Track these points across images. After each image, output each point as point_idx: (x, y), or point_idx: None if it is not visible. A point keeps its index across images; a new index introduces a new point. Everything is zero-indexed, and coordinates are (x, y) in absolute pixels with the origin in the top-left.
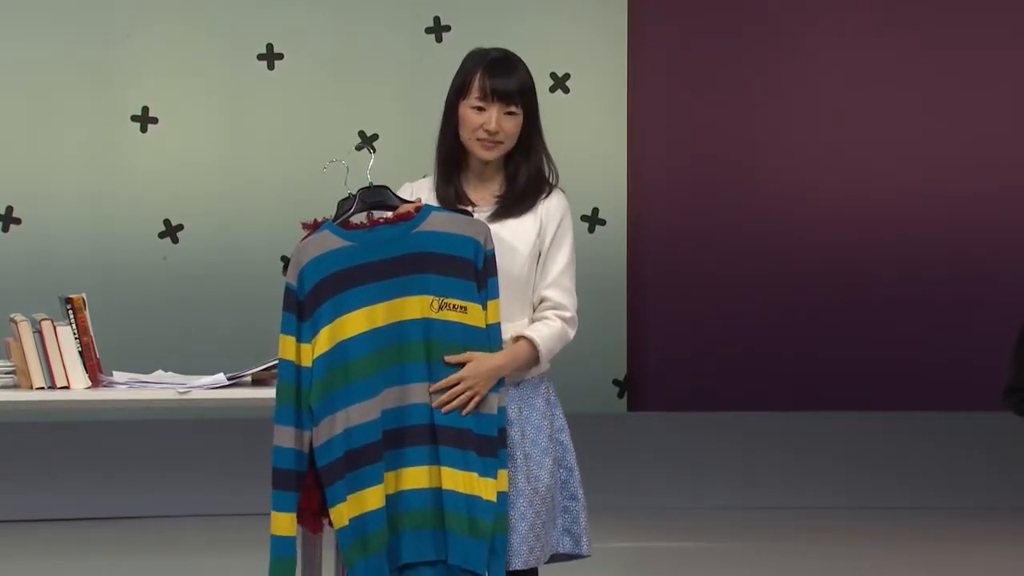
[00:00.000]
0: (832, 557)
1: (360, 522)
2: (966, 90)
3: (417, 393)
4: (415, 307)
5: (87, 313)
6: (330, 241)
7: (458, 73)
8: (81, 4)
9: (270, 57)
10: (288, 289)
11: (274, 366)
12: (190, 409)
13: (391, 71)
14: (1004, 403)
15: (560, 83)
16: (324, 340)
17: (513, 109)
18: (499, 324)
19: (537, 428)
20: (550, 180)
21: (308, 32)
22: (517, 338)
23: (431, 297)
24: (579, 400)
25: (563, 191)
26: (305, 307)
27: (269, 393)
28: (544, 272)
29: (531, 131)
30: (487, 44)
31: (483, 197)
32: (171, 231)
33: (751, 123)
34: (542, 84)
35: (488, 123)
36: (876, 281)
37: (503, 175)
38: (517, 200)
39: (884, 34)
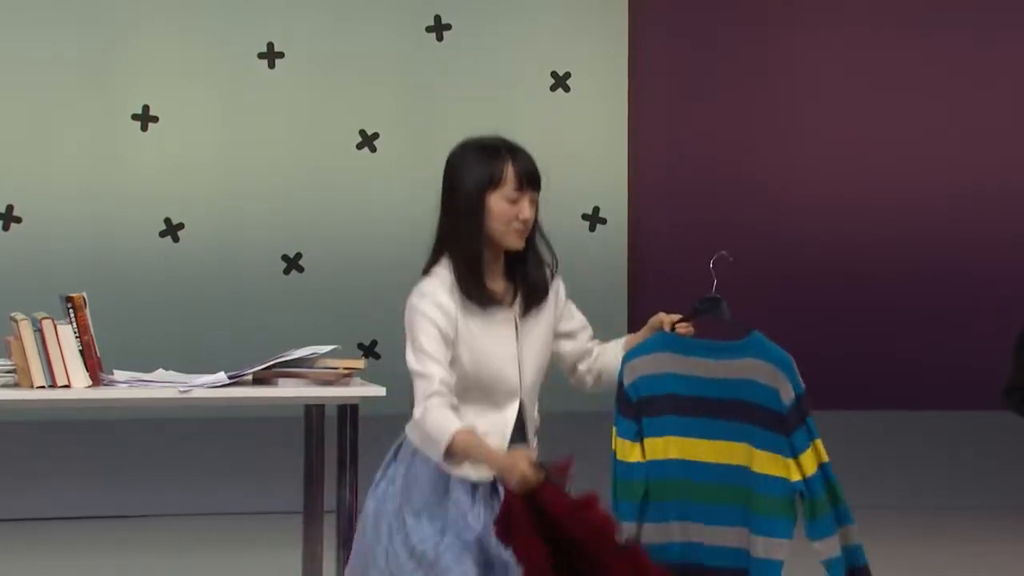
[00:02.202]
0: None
1: None
2: (966, 89)
3: (731, 537)
4: (731, 453)
5: (88, 312)
6: (658, 362)
7: (475, 167)
8: (81, 3)
9: (271, 56)
10: (625, 395)
11: (273, 365)
12: (191, 408)
13: (391, 70)
14: (1005, 402)
15: (561, 82)
16: (655, 449)
17: (536, 196)
18: (817, 474)
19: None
20: (549, 262)
21: (308, 31)
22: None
23: (751, 447)
24: (578, 399)
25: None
26: (639, 410)
27: (269, 392)
28: (574, 327)
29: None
30: (488, 43)
31: (499, 289)
32: (172, 230)
33: (751, 122)
34: (543, 83)
35: (523, 212)
36: (877, 281)
37: (503, 264)
38: (538, 290)
39: (883, 33)
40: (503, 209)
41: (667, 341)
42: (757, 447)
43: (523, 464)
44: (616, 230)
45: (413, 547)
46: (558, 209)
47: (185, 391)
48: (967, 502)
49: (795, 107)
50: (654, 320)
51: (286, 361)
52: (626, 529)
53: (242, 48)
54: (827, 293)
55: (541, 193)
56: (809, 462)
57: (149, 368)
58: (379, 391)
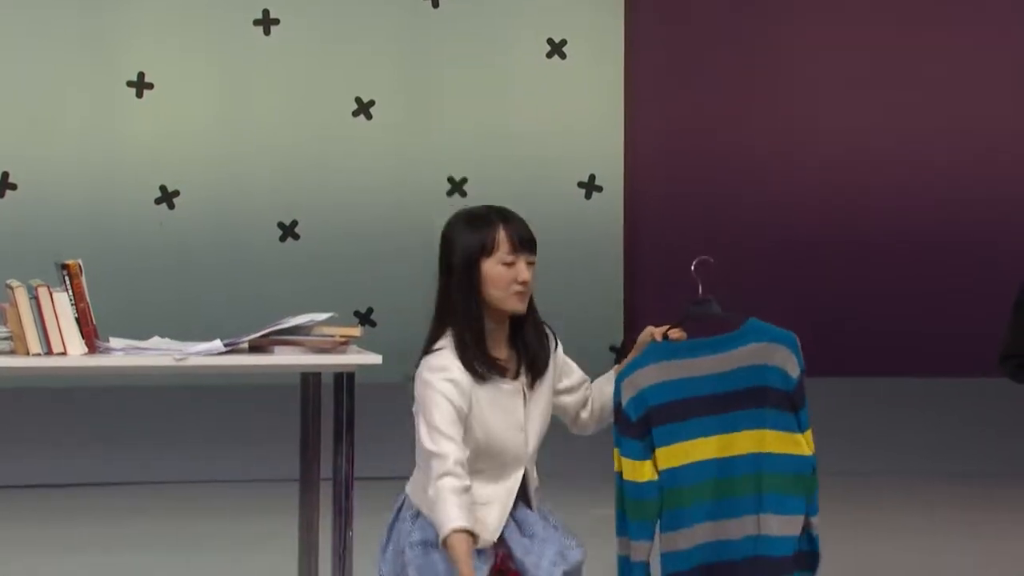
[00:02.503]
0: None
1: None
2: (955, 63)
3: (743, 527)
4: (748, 442)
5: (83, 279)
6: (665, 370)
7: (468, 236)
8: None
9: (266, 23)
10: (624, 414)
11: (269, 333)
12: (187, 375)
13: (387, 37)
14: (1000, 369)
15: (557, 49)
16: (674, 456)
17: (533, 259)
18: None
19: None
20: (545, 330)
21: None
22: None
23: (765, 431)
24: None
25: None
26: (646, 423)
27: (266, 360)
28: (573, 382)
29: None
30: (484, 11)
31: (504, 358)
32: (167, 197)
33: (749, 91)
34: (539, 50)
35: (520, 273)
36: (872, 248)
37: (506, 331)
38: (540, 357)
39: (879, 8)
40: (499, 274)
41: (665, 350)
42: (771, 428)
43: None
44: (612, 197)
45: None
46: (554, 177)
47: (181, 359)
48: (961, 467)
49: (794, 76)
50: (644, 335)
51: (282, 329)
52: (637, 548)
53: (237, 15)
54: (823, 260)
55: (537, 161)
56: (811, 439)
57: (145, 335)
58: (375, 359)
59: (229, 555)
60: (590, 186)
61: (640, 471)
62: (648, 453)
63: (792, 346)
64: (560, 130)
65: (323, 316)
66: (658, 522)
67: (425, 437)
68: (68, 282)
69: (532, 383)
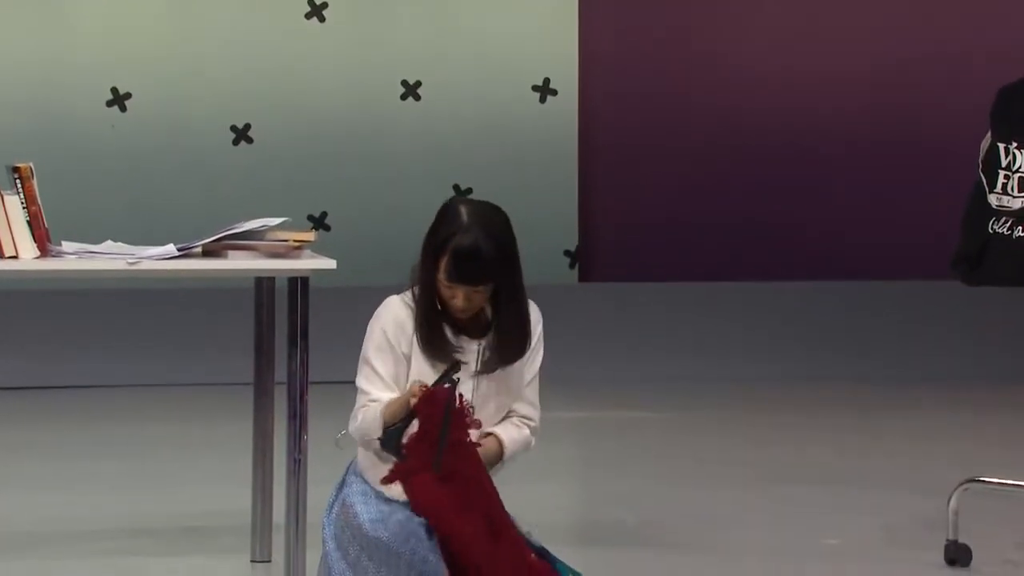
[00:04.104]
0: (779, 426)
1: None
2: None
3: None
4: None
5: (35, 182)
6: None
7: (436, 230)
8: None
9: None
10: None
11: (223, 237)
12: (140, 280)
13: None
14: (952, 272)
15: None
16: None
17: (480, 289)
18: None
19: None
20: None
21: None
22: (487, 435)
23: None
24: (530, 271)
25: (537, 308)
26: None
27: (219, 264)
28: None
29: (512, 283)
30: None
31: (465, 334)
32: (119, 99)
33: None
34: None
35: (459, 301)
36: (826, 149)
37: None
38: (502, 357)
39: None
40: (440, 287)
41: None
42: None
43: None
44: (567, 101)
45: (367, 542)
46: (509, 81)
47: (134, 263)
48: (918, 371)
49: None
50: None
51: (236, 233)
52: None
53: None
54: (777, 162)
55: (492, 65)
56: None
57: (98, 239)
58: (330, 264)
59: (183, 459)
60: (544, 89)
61: None
62: None
63: None
64: (514, 34)
65: (277, 220)
66: None
67: (360, 372)
68: (19, 185)
69: (482, 372)
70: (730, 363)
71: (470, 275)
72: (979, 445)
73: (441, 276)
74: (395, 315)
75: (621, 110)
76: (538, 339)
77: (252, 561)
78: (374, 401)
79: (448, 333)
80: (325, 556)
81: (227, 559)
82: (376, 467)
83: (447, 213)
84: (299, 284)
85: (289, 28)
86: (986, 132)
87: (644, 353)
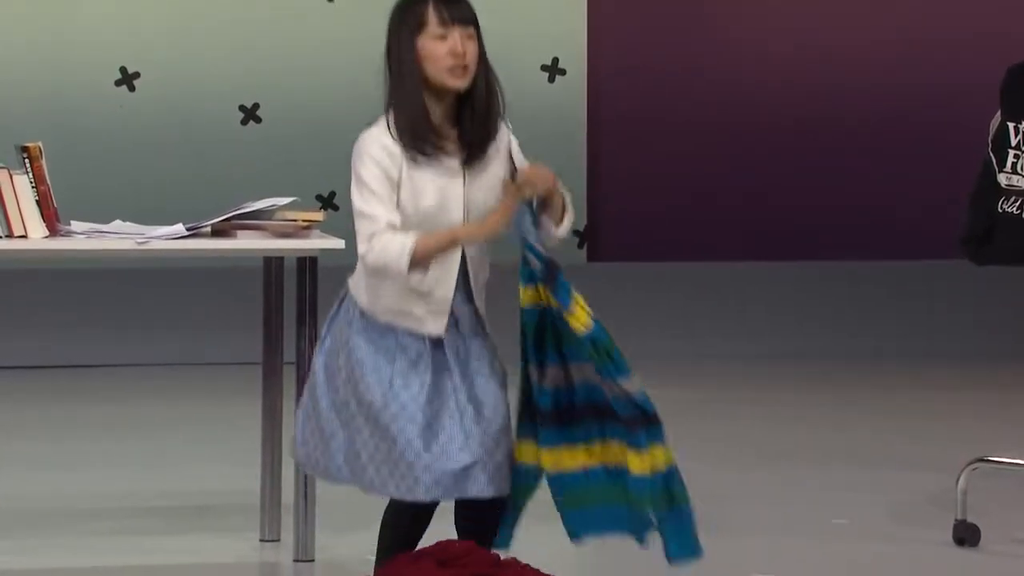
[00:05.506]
0: (787, 405)
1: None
2: None
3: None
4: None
5: (44, 162)
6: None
7: (402, 18)
8: None
9: None
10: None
11: (232, 217)
12: (149, 259)
13: None
14: (961, 250)
15: None
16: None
17: (472, 31)
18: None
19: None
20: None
21: None
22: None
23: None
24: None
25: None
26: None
27: (228, 244)
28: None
29: (482, 57)
30: None
31: (443, 136)
32: (127, 79)
33: None
34: None
35: (454, 46)
36: (834, 129)
37: (448, 109)
38: (481, 134)
39: None
40: (433, 49)
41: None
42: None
43: (491, 216)
44: (575, 81)
45: (361, 396)
46: (517, 60)
47: (143, 243)
48: (924, 349)
49: None
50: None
51: (244, 213)
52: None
53: None
54: (786, 143)
55: (500, 44)
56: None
57: (107, 219)
58: (338, 243)
59: (191, 438)
60: (553, 69)
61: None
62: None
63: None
64: (523, 13)
65: (285, 200)
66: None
67: (356, 196)
68: (28, 165)
69: (469, 159)
70: (738, 342)
71: (460, 11)
72: (988, 424)
73: (431, 28)
74: (380, 141)
75: (630, 90)
76: (511, 144)
77: (261, 540)
78: (391, 226)
79: (434, 118)
80: (312, 388)
81: (236, 538)
82: (381, 300)
83: (396, 5)
84: (307, 264)
85: (298, 7)
86: (995, 111)
87: (652, 333)
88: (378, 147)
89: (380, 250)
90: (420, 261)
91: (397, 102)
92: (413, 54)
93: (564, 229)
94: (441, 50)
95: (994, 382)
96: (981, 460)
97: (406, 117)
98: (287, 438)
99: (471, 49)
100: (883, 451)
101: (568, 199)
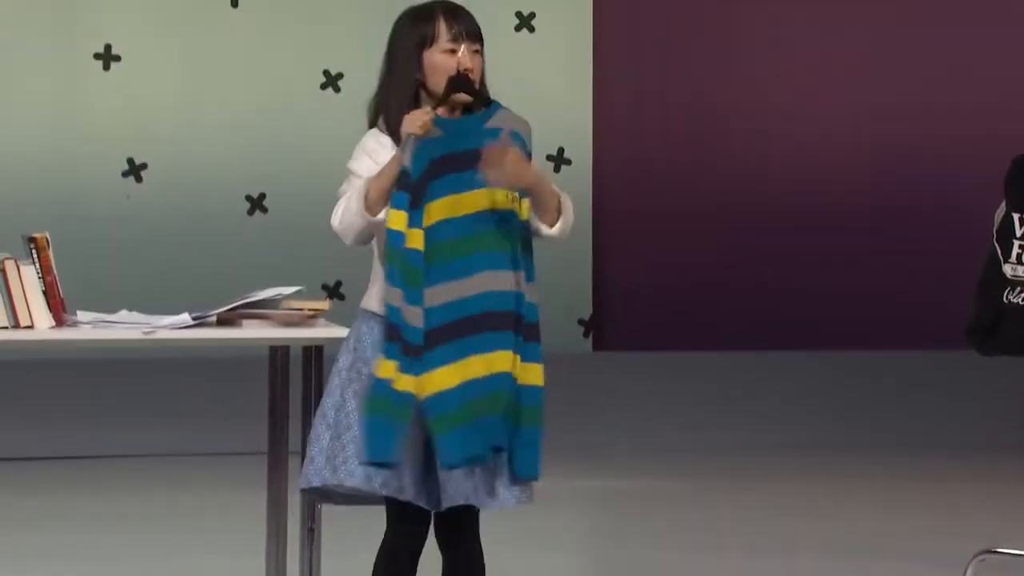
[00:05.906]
0: (794, 495)
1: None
2: (927, 37)
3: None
4: (484, 199)
5: (51, 252)
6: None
7: (410, 29)
8: None
9: None
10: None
11: (238, 307)
12: (155, 349)
13: (354, 9)
14: (968, 342)
15: (526, 22)
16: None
17: (478, 47)
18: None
19: None
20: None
21: None
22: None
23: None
24: (544, 341)
25: None
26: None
27: (233, 333)
28: None
29: (482, 76)
30: None
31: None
32: (134, 170)
33: (717, 64)
34: (507, 23)
35: (462, 61)
36: (840, 222)
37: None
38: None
39: None
40: (441, 63)
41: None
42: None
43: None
44: (581, 171)
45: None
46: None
47: (149, 332)
48: (930, 441)
49: (763, 50)
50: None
51: (251, 302)
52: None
53: None
54: (791, 234)
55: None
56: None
57: (113, 309)
58: (344, 333)
59: (196, 529)
60: (559, 159)
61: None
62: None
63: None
64: (529, 103)
65: (291, 289)
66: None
67: (344, 184)
68: (35, 255)
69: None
70: (745, 432)
71: (469, 26)
72: (995, 516)
73: (442, 42)
74: (376, 138)
75: (636, 179)
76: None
77: None
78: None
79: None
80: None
81: None
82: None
83: (405, 15)
84: (313, 353)
85: (305, 98)
86: (1000, 201)
87: (659, 423)
88: (373, 141)
89: (342, 205)
90: (374, 200)
91: (391, 107)
92: (417, 65)
93: (557, 230)
94: (450, 63)
95: (1000, 473)
96: (988, 551)
97: (397, 112)
98: (292, 528)
99: (478, 64)
100: (889, 542)
101: (566, 200)
